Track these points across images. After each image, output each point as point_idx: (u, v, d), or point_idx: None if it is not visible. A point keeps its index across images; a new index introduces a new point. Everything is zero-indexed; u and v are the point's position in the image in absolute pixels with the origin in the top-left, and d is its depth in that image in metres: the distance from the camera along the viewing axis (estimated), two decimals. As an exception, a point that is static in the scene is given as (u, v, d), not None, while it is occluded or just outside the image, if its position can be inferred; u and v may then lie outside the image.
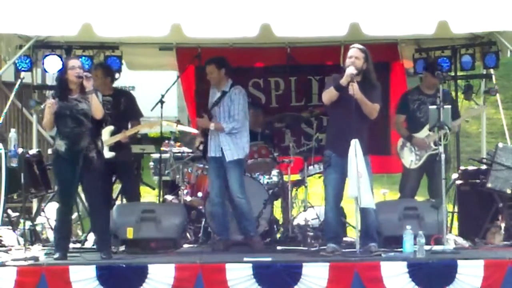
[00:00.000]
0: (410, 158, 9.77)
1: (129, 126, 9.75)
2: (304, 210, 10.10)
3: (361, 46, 8.58)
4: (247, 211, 9.30)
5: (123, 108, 9.68)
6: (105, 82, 9.70)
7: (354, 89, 8.37)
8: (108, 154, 9.29)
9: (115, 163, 9.48)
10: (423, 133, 9.72)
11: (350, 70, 8.40)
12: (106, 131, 9.44)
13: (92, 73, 9.16)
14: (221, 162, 9.26)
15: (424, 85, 9.98)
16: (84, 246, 9.42)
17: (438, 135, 8.78)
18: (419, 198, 9.93)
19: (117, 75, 10.47)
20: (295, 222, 9.99)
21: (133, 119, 9.79)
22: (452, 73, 10.65)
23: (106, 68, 9.92)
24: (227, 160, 9.19)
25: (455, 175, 10.04)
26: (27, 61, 10.14)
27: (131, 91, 10.08)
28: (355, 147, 8.23)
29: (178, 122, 10.70)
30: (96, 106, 8.33)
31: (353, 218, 8.89)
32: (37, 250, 8.87)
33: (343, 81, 8.43)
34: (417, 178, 9.87)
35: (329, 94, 8.55)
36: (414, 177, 9.83)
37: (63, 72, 8.49)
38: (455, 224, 10.16)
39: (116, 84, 10.33)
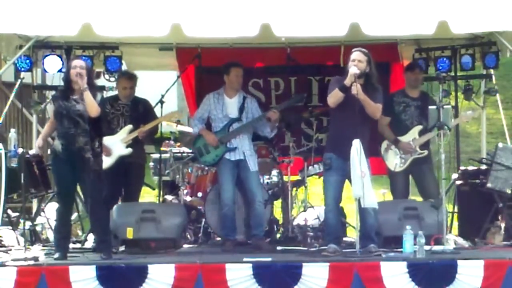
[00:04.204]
0: (394, 161, 9.66)
1: None
2: (304, 210, 10.11)
3: (364, 49, 8.57)
4: (263, 215, 9.44)
5: (142, 111, 9.75)
6: (132, 94, 9.80)
7: (357, 89, 8.37)
8: (125, 150, 9.48)
9: (127, 162, 9.52)
10: (409, 136, 9.67)
11: (354, 70, 8.39)
12: (125, 130, 9.54)
13: (125, 83, 9.65)
14: (238, 165, 9.36)
15: (408, 86, 9.89)
16: (84, 246, 9.43)
17: (437, 135, 8.77)
18: (418, 198, 9.93)
19: (116, 76, 10.47)
20: (295, 222, 10.00)
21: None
22: (452, 73, 10.66)
23: (137, 78, 9.96)
24: (254, 170, 9.39)
25: (455, 175, 10.03)
26: (27, 61, 10.15)
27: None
28: (357, 147, 8.22)
29: (178, 122, 10.72)
30: (90, 103, 8.28)
31: (353, 218, 8.89)
32: (37, 250, 8.88)
33: (347, 82, 8.42)
34: (404, 181, 9.79)
35: (335, 97, 8.52)
36: (401, 180, 9.74)
37: (67, 72, 8.51)
38: (455, 224, 10.17)
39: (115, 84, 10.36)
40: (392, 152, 9.70)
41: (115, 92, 9.96)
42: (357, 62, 8.47)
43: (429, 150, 9.72)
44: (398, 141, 9.64)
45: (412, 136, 9.66)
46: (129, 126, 9.58)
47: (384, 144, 9.74)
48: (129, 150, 9.52)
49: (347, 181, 8.63)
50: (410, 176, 9.86)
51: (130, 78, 9.83)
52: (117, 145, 9.50)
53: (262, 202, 9.41)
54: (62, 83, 8.74)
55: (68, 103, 8.38)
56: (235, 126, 9.46)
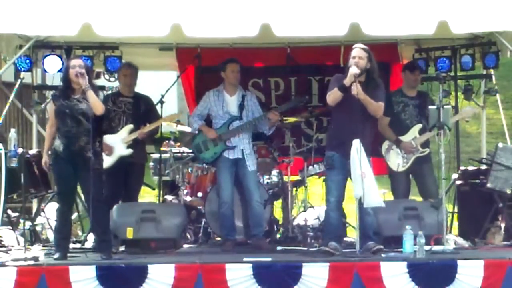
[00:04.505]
0: (397, 161, 9.67)
1: None
2: (304, 210, 10.10)
3: (364, 46, 8.56)
4: (262, 215, 9.44)
5: (143, 109, 9.74)
6: (133, 84, 9.78)
7: (358, 90, 8.36)
8: (125, 151, 9.49)
9: (127, 162, 9.52)
10: (409, 136, 9.68)
11: (354, 70, 8.39)
12: (125, 130, 9.54)
13: (124, 71, 9.66)
14: (236, 164, 9.38)
15: (405, 86, 9.89)
16: (84, 246, 9.43)
17: (437, 135, 8.77)
18: (417, 198, 9.92)
19: (116, 75, 10.47)
20: (295, 222, 9.99)
21: (152, 121, 9.79)
22: (452, 73, 10.66)
23: (137, 69, 9.93)
24: (252, 169, 9.40)
25: (455, 175, 10.03)
26: (27, 61, 10.16)
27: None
28: (357, 147, 8.22)
29: (178, 122, 10.72)
30: (95, 102, 8.29)
31: (353, 218, 8.88)
32: (37, 250, 8.88)
33: (347, 82, 8.42)
34: (406, 180, 9.80)
35: (334, 96, 8.53)
36: (402, 179, 9.75)
37: (66, 71, 8.51)
38: (455, 224, 10.17)
39: (115, 84, 10.36)
40: (394, 152, 9.69)
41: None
42: (357, 59, 8.46)
43: (428, 149, 9.73)
44: (400, 141, 9.65)
45: (412, 135, 9.67)
46: (130, 126, 9.58)
47: (385, 145, 9.74)
48: (130, 151, 9.51)
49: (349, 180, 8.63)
50: (411, 176, 9.86)
51: (130, 67, 9.83)
52: (117, 144, 9.50)
53: (259, 202, 9.41)
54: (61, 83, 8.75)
55: (70, 102, 8.38)
56: (235, 125, 9.48)
